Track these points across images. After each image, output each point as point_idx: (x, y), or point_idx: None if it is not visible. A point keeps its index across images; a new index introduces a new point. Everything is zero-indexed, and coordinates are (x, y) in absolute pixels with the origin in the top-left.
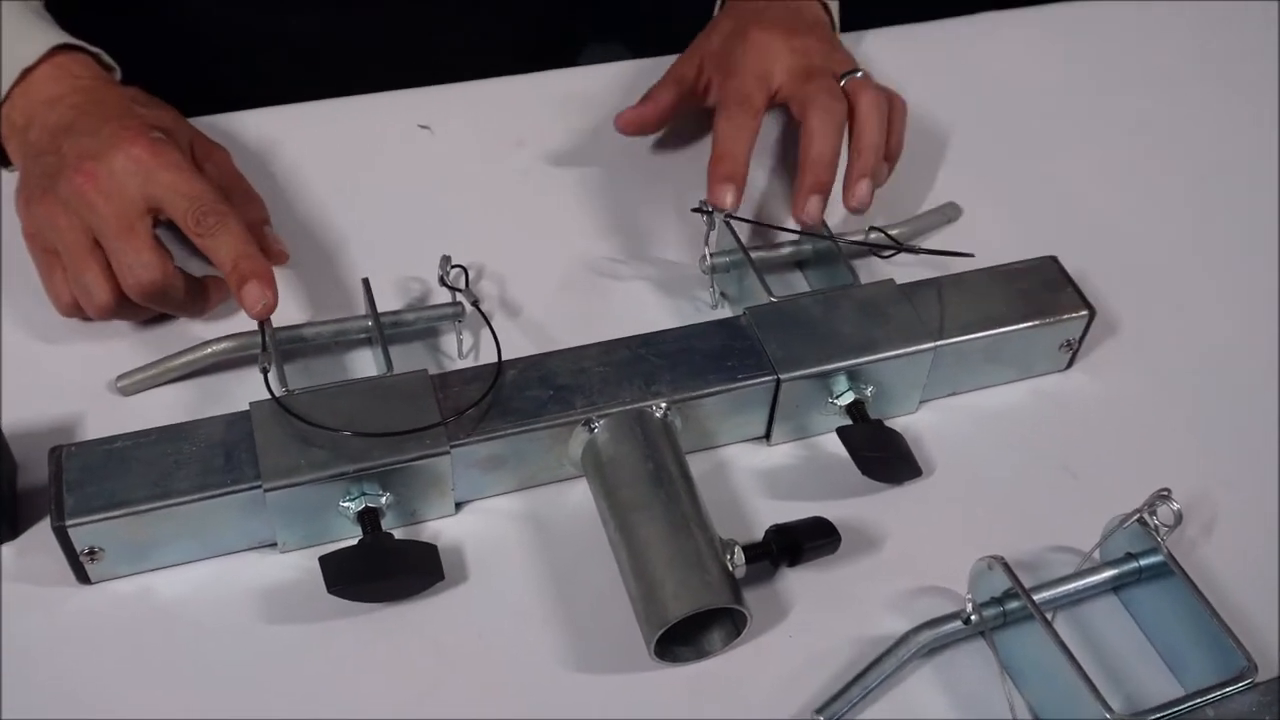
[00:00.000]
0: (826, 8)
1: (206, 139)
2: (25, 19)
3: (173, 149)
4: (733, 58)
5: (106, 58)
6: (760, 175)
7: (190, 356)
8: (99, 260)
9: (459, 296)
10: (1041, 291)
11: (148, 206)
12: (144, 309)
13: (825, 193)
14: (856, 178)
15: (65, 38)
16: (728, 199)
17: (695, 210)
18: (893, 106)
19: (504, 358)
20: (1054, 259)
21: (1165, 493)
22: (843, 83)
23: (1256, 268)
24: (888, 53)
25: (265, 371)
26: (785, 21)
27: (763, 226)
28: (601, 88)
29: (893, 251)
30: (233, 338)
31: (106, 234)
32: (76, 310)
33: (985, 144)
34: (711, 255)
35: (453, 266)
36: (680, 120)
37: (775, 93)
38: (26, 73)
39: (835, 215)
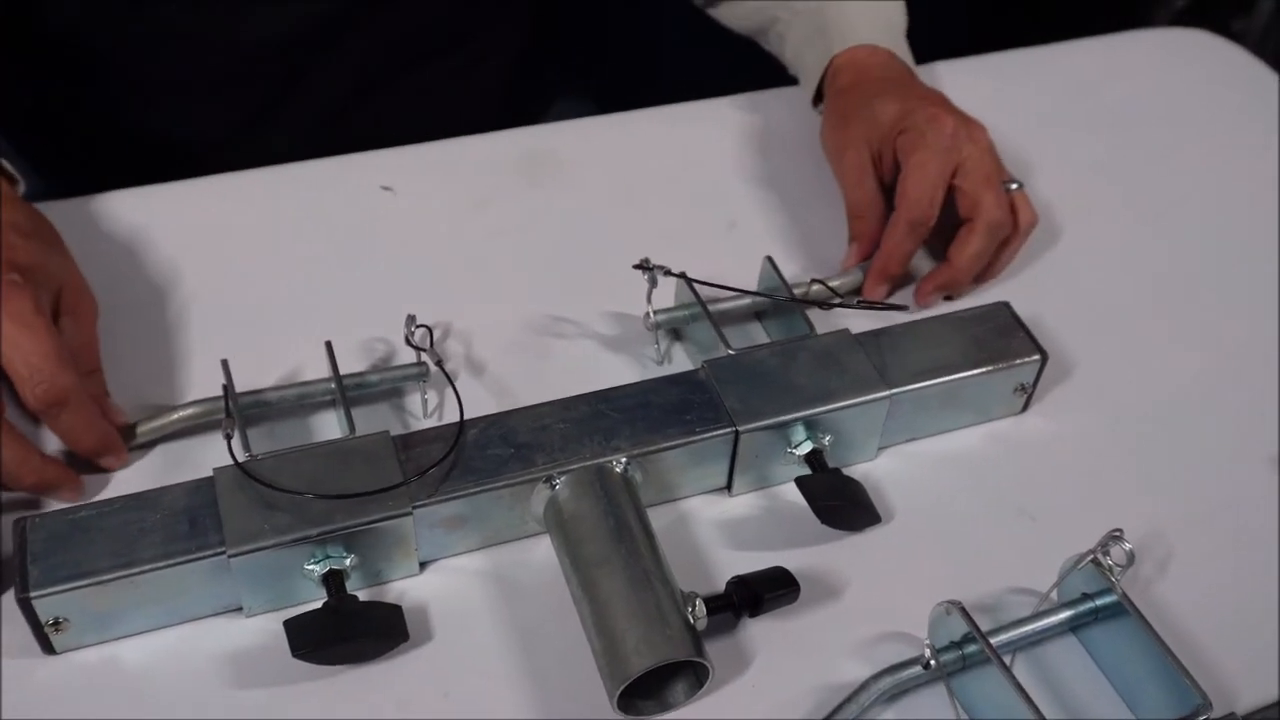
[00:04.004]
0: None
1: (81, 288)
2: None
3: (24, 297)
4: (961, 159)
5: (9, 168)
6: (724, 229)
7: (155, 423)
8: None
9: (423, 356)
10: (994, 337)
11: None
12: None
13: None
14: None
15: None
16: None
17: (636, 267)
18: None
19: (467, 416)
20: (1006, 304)
21: (1117, 533)
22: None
23: (1208, 308)
24: None
25: (229, 438)
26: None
27: (714, 287)
28: (566, 144)
29: (833, 304)
30: (197, 404)
31: None
32: None
33: None
34: (655, 313)
35: (417, 326)
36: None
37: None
38: None
39: (794, 267)
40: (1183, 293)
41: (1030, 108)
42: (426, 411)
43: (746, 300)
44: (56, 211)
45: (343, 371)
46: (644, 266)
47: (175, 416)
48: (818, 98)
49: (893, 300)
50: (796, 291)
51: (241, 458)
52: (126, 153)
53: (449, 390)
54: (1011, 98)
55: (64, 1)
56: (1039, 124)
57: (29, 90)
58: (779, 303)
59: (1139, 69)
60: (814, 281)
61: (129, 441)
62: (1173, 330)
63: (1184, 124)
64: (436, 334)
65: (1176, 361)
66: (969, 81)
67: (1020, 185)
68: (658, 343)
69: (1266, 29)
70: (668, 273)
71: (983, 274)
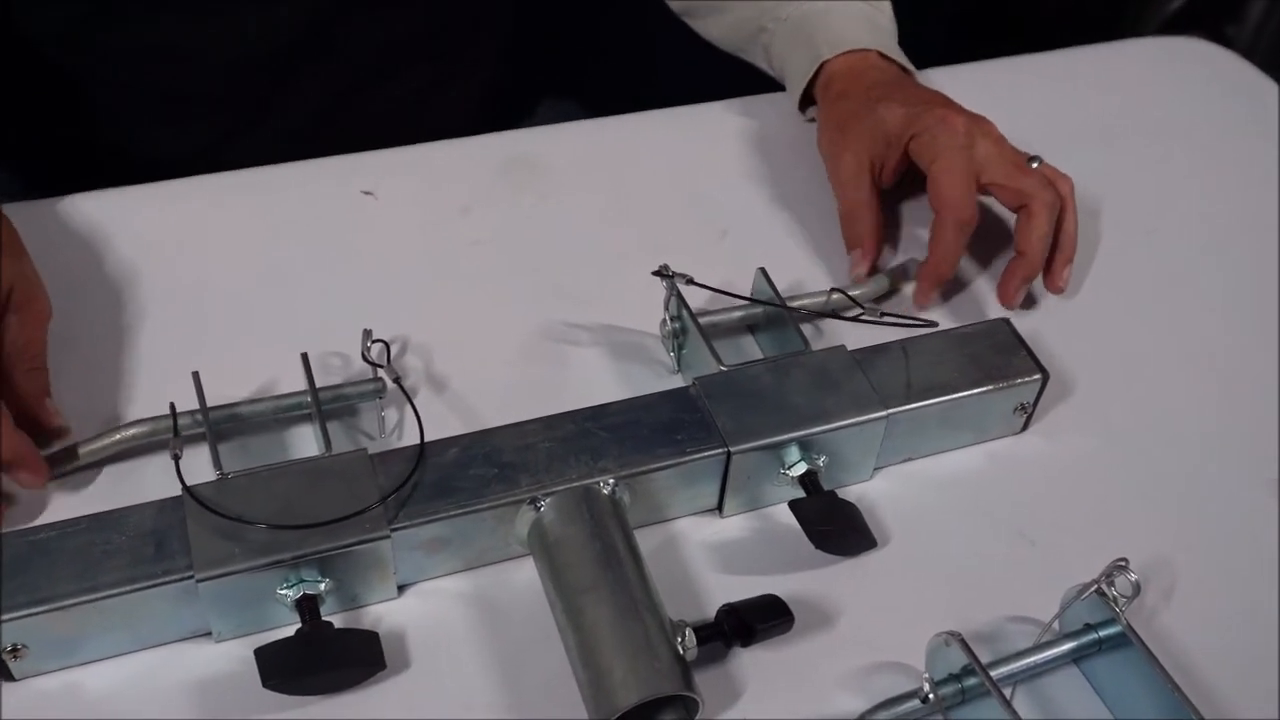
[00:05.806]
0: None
1: (33, 287)
2: None
3: None
4: (980, 156)
5: None
6: (717, 237)
7: (101, 443)
8: None
9: (380, 373)
10: (994, 355)
11: None
12: None
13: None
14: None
15: None
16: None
17: (655, 274)
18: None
19: (431, 436)
20: (1006, 321)
21: (1122, 563)
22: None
23: (1211, 325)
24: None
25: (176, 458)
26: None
27: (720, 293)
28: (552, 149)
29: (856, 314)
30: (145, 422)
31: None
32: None
33: None
34: (672, 320)
35: (374, 341)
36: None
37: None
38: None
39: (787, 278)
40: (1185, 309)
41: (1023, 117)
42: (385, 430)
43: (738, 312)
44: (19, 213)
45: (315, 385)
46: (663, 274)
47: (119, 436)
48: (805, 103)
49: (915, 315)
50: (815, 301)
51: (213, 475)
52: (103, 164)
53: (430, 407)
54: (1004, 107)
55: (43, 16)
56: (1033, 134)
57: (5, 100)
58: (773, 315)
59: (1134, 77)
60: (834, 290)
61: (70, 462)
62: (1175, 348)
63: (1181, 133)
64: (408, 348)
65: (1179, 380)
66: (961, 90)
67: (1040, 159)
68: (672, 352)
69: (1257, 34)
70: (690, 281)
71: (1061, 256)
